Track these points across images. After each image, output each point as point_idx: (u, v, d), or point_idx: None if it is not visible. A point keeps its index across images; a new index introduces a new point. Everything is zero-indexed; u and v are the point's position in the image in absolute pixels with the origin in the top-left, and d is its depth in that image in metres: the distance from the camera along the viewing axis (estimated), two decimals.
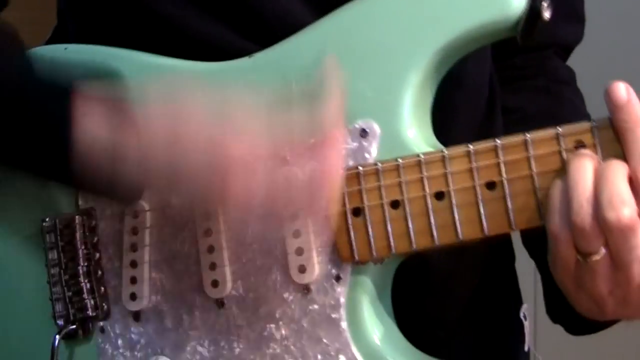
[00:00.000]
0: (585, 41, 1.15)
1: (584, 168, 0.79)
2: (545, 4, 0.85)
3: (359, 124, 0.88)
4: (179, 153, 0.81)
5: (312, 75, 0.87)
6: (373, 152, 0.87)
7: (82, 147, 0.82)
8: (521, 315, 1.08)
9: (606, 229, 0.77)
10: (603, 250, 0.79)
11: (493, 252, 1.05)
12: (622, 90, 0.79)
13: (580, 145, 0.81)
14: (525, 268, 1.08)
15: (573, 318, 0.90)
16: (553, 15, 1.06)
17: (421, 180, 0.85)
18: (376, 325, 0.89)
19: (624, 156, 0.80)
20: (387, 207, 0.86)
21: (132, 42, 0.96)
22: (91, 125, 0.82)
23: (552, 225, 0.80)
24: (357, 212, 0.87)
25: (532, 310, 1.11)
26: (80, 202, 0.96)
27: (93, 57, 0.97)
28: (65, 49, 0.98)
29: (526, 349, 1.08)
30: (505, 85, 1.07)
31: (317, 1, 0.92)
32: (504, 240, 1.08)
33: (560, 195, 0.80)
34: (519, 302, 1.10)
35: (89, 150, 0.82)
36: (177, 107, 0.82)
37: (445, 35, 0.86)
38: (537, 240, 0.88)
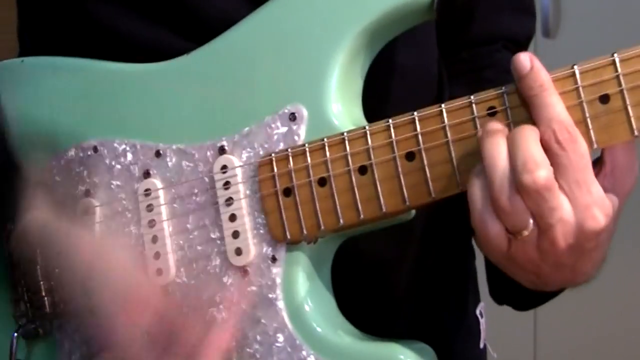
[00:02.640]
0: None
1: (497, 144, 0.79)
2: None
3: (288, 108, 0.91)
4: None
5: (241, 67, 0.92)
6: (302, 134, 0.90)
7: None
8: (477, 312, 1.09)
9: (525, 194, 0.77)
10: (531, 223, 0.79)
11: (446, 247, 1.06)
12: (525, 59, 0.81)
13: (491, 110, 0.83)
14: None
15: (516, 295, 0.90)
16: (499, 9, 1.08)
17: (345, 156, 0.87)
18: (313, 304, 0.90)
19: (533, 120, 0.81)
20: (314, 185, 0.88)
21: (80, 51, 1.00)
22: None
23: (480, 223, 0.80)
24: (288, 192, 0.89)
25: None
26: None
27: (47, 68, 1.01)
28: (22, 61, 1.03)
29: (482, 345, 1.08)
30: (453, 79, 1.09)
31: None
32: (459, 237, 1.09)
33: (480, 184, 0.80)
34: (476, 299, 1.10)
35: None
36: None
37: (366, 17, 0.89)
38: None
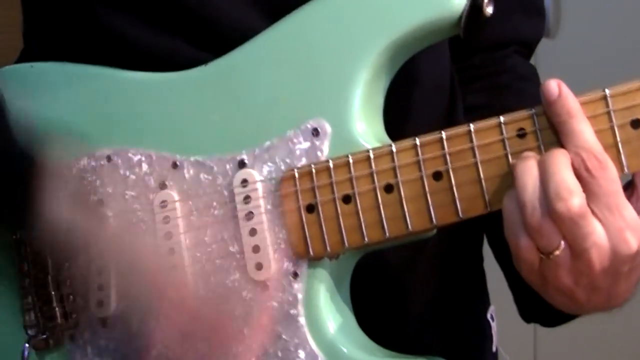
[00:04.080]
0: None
1: (529, 169, 0.80)
2: (486, 0, 0.87)
3: (310, 123, 0.90)
4: None
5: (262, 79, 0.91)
6: (325, 150, 0.89)
7: None
8: (488, 316, 1.10)
9: (558, 221, 0.78)
10: (562, 244, 0.79)
11: (458, 252, 1.06)
12: (553, 86, 0.81)
13: (521, 132, 0.83)
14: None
15: (546, 312, 0.91)
16: (510, 12, 1.08)
17: (371, 174, 0.87)
18: (334, 320, 0.90)
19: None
20: (339, 203, 0.88)
21: (89, 58, 0.98)
22: None
23: (513, 237, 0.81)
24: (311, 208, 0.89)
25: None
26: None
27: (58, 74, 1.00)
28: (32, 66, 1.01)
29: (494, 349, 1.09)
30: (466, 86, 1.08)
31: (270, 9, 0.94)
32: (470, 242, 1.10)
33: (513, 205, 0.80)
34: (486, 303, 1.11)
35: None
36: None
37: (391, 34, 0.88)
38: (500, 243, 0.89)
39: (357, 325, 0.92)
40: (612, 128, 0.81)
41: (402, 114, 1.00)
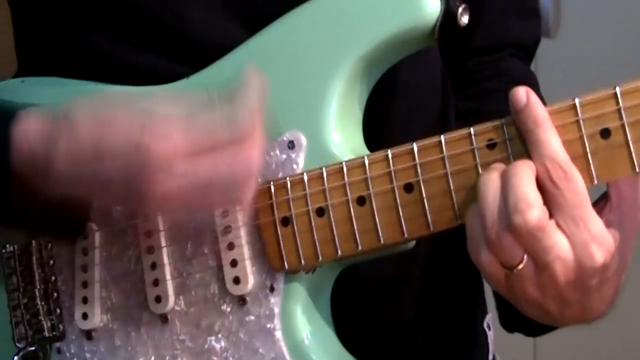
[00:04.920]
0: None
1: (491, 182, 0.78)
2: (460, 9, 0.86)
3: (286, 136, 0.90)
4: (102, 158, 0.83)
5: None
6: (300, 162, 0.89)
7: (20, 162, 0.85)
8: (485, 324, 1.08)
9: (517, 234, 0.76)
10: (525, 258, 0.78)
11: (452, 260, 1.05)
12: (521, 94, 0.79)
13: (491, 142, 0.82)
14: None
15: (526, 324, 0.89)
16: (504, 14, 1.06)
17: (344, 186, 0.86)
18: (311, 334, 0.89)
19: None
20: (313, 215, 0.87)
21: (79, 77, 0.99)
22: (28, 142, 0.86)
23: (474, 252, 0.80)
24: (286, 221, 0.88)
25: None
26: None
27: (48, 90, 1.01)
28: (22, 81, 1.02)
29: (490, 358, 1.07)
30: (459, 91, 1.07)
31: (249, 21, 0.94)
32: (465, 249, 1.08)
33: (475, 219, 0.79)
34: (483, 312, 1.09)
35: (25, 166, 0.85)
36: (103, 115, 0.84)
37: (363, 45, 0.88)
38: None
39: (336, 338, 0.91)
40: (581, 138, 0.79)
41: (390, 122, 0.99)
